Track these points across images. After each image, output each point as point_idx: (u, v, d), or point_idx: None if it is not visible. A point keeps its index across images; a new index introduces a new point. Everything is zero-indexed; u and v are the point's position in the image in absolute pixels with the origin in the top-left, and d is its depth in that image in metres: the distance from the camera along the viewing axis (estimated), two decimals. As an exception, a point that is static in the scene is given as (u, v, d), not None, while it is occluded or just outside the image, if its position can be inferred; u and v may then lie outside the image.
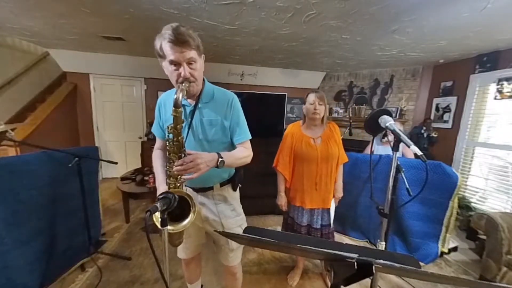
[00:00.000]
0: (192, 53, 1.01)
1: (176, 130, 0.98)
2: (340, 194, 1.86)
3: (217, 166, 1.02)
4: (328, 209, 1.82)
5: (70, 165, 1.94)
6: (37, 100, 4.36)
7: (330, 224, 1.82)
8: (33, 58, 4.44)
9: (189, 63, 1.02)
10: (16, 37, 3.44)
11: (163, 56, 1.02)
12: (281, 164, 1.84)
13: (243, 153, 1.19)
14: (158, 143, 1.35)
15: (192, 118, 1.15)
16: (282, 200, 1.86)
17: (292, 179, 1.84)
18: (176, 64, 1.00)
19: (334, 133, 1.78)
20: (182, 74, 1.01)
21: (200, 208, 1.28)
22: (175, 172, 0.97)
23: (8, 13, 2.46)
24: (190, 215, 0.99)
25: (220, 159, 1.02)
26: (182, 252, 1.44)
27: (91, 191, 2.30)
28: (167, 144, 1.03)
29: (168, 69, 1.04)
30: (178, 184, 1.05)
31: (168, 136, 1.01)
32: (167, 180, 1.07)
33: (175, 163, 0.96)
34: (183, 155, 1.01)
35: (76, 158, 1.98)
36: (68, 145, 3.92)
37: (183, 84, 1.00)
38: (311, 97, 1.71)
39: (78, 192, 2.05)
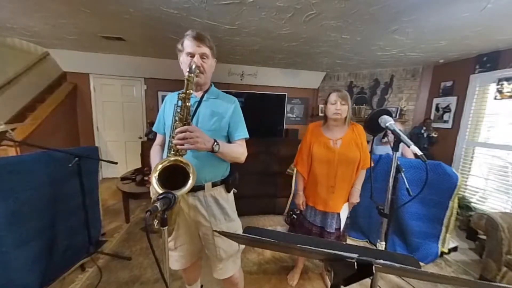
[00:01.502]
0: (206, 50, 1.18)
1: (186, 95, 1.05)
2: (355, 200, 1.75)
3: (212, 150, 1.08)
4: (339, 214, 1.75)
5: (70, 165, 1.93)
6: (37, 100, 4.36)
7: (340, 228, 1.76)
8: (33, 58, 4.45)
9: (202, 57, 1.17)
10: (16, 37, 3.43)
11: (182, 50, 1.18)
12: (300, 163, 1.83)
13: (238, 148, 1.25)
14: (158, 139, 1.39)
15: (196, 109, 1.21)
16: (299, 199, 1.83)
17: (308, 178, 1.81)
18: (192, 55, 1.15)
19: (356, 135, 1.68)
20: (195, 61, 1.13)
21: (190, 211, 1.23)
22: (176, 141, 1.02)
23: (8, 13, 2.46)
24: (190, 178, 1.00)
25: (215, 143, 1.09)
26: (176, 263, 1.34)
27: (91, 191, 2.30)
28: (175, 111, 1.08)
29: (184, 61, 1.18)
30: (178, 155, 1.07)
31: (178, 102, 1.07)
32: (167, 154, 1.10)
33: (178, 129, 1.02)
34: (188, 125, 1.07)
35: (76, 158, 1.97)
36: (68, 145, 3.93)
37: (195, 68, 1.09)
38: (333, 97, 1.64)
39: (78, 192, 2.05)
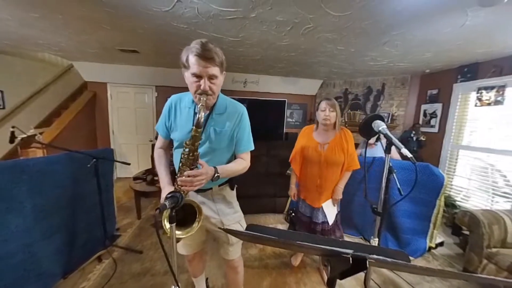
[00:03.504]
0: (215, 70, 1.00)
1: (193, 147, 0.97)
2: (337, 196, 1.78)
3: (212, 180, 1.03)
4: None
5: (88, 165, 1.96)
6: (61, 107, 4.47)
7: (327, 221, 1.79)
8: (60, 69, 4.57)
9: (211, 78, 1.00)
10: (46, 52, 3.53)
11: (187, 67, 1.00)
12: (293, 161, 1.89)
13: (240, 166, 1.18)
14: (160, 142, 1.29)
15: (204, 126, 1.12)
16: (291, 191, 1.94)
17: (300, 175, 1.88)
18: (198, 76, 0.98)
19: (343, 140, 1.71)
20: (202, 87, 0.99)
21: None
22: (180, 183, 0.98)
23: (40, 31, 2.55)
24: (195, 223, 0.99)
25: (216, 175, 1.03)
26: (183, 249, 1.39)
27: (107, 189, 2.30)
28: (182, 156, 1.01)
29: (189, 80, 1.02)
30: (185, 193, 1.03)
31: (184, 150, 0.99)
32: (175, 186, 1.03)
33: (186, 173, 0.96)
34: (195, 168, 1.00)
35: (94, 159, 1.99)
36: (87, 147, 3.95)
37: (203, 99, 0.98)
38: (323, 104, 1.70)
39: (96, 190, 2.06)
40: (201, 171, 0.97)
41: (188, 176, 0.95)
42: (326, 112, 1.67)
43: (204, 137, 1.13)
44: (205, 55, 0.94)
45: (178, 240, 1.10)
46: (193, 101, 1.13)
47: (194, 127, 0.94)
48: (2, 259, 1.42)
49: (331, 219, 1.80)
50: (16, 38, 2.81)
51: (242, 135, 1.19)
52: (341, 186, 1.78)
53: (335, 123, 1.72)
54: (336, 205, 1.83)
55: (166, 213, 0.94)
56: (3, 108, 3.65)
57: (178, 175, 1.02)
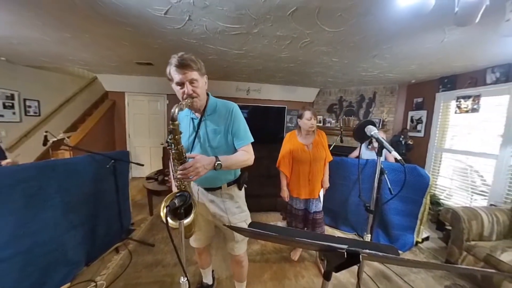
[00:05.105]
0: (194, 74, 1.01)
1: (175, 140, 0.94)
2: (326, 184, 1.96)
3: (214, 169, 0.98)
4: (318, 198, 1.92)
5: (108, 166, 1.97)
6: (86, 114, 4.61)
7: (321, 211, 1.91)
8: (85, 81, 4.74)
9: (191, 82, 1.01)
10: (75, 66, 3.68)
11: (171, 80, 1.03)
12: (282, 164, 1.92)
13: (242, 156, 1.11)
14: None
15: (198, 129, 1.12)
16: (285, 193, 1.95)
17: (291, 176, 1.92)
18: (181, 84, 1.01)
19: (321, 139, 1.89)
20: (186, 91, 1.01)
21: (209, 205, 1.25)
22: (179, 176, 0.94)
23: (71, 49, 2.67)
24: (191, 215, 0.95)
25: (217, 162, 0.97)
26: (194, 242, 1.42)
27: (123, 188, 2.31)
28: (171, 152, 0.98)
29: (176, 89, 1.04)
30: (183, 186, 1.02)
31: (170, 145, 0.96)
32: (176, 182, 1.03)
33: (178, 169, 0.94)
34: (185, 161, 0.97)
35: (113, 161, 2.00)
36: (106, 149, 3.97)
37: (186, 100, 0.98)
38: (308, 114, 1.80)
39: (114, 188, 2.07)
40: (193, 161, 0.93)
41: (184, 169, 0.91)
42: (312, 121, 1.79)
43: (202, 138, 1.12)
44: (182, 64, 0.97)
45: (189, 235, 1.08)
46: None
47: (170, 121, 0.92)
48: (36, 247, 1.47)
49: (320, 207, 1.94)
50: (51, 55, 2.94)
51: (237, 129, 1.13)
52: (327, 176, 1.98)
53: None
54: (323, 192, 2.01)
55: (165, 204, 0.93)
56: (39, 115, 3.83)
57: (174, 171, 1.00)
